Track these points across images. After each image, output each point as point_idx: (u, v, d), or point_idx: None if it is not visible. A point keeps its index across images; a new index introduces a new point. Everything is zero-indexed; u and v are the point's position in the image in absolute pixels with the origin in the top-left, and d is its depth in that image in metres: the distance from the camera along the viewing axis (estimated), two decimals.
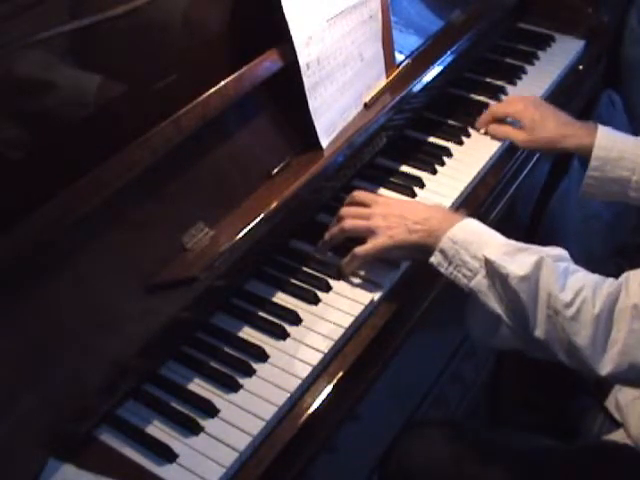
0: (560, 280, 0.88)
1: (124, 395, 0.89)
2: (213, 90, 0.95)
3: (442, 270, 0.96)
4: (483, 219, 1.25)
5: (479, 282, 0.93)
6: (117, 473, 0.81)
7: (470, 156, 1.30)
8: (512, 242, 0.95)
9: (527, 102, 1.32)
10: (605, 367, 0.86)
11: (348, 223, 1.04)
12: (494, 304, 0.92)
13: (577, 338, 0.86)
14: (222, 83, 0.96)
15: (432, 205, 1.06)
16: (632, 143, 1.21)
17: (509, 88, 1.49)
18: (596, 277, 0.91)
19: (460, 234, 0.96)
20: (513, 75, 1.52)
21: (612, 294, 0.87)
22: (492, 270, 0.91)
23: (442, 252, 0.96)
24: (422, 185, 1.23)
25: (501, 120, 1.34)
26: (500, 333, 0.93)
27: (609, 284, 0.89)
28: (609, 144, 1.20)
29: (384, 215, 1.03)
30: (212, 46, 1.03)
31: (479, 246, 0.94)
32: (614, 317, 0.86)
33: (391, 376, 1.05)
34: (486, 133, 1.34)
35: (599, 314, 0.86)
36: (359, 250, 1.02)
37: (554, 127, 1.26)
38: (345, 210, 1.07)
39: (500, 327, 0.93)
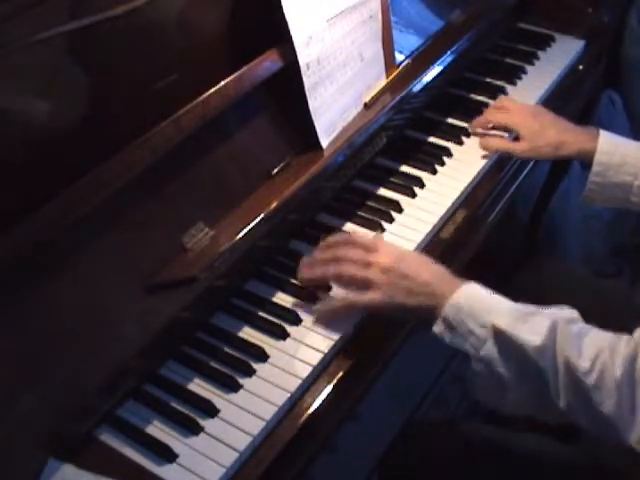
0: (576, 345, 0.84)
1: (124, 395, 0.89)
2: (213, 90, 0.95)
3: (446, 340, 0.91)
4: (483, 219, 1.26)
5: (488, 351, 0.88)
6: (117, 473, 0.81)
7: (470, 156, 1.30)
8: (519, 306, 0.91)
9: (525, 113, 1.30)
10: (635, 434, 0.81)
11: (346, 270, 0.97)
12: (507, 373, 0.87)
13: (602, 407, 0.82)
14: (222, 83, 0.96)
15: (434, 265, 0.98)
16: (634, 148, 1.20)
17: (509, 88, 1.49)
18: (610, 336, 0.87)
19: (464, 302, 0.91)
20: (513, 75, 1.52)
21: (630, 355, 0.83)
22: (503, 339, 0.87)
23: (445, 321, 0.91)
24: (422, 185, 1.23)
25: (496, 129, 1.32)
26: (511, 399, 0.89)
27: (625, 343, 0.85)
28: (611, 149, 1.19)
29: (384, 269, 0.95)
30: (212, 46, 1.03)
31: (486, 313, 0.89)
32: (636, 379, 0.82)
33: (391, 376, 1.05)
34: (483, 148, 1.30)
35: (621, 379, 0.82)
36: (355, 300, 0.96)
37: (554, 134, 1.25)
38: (345, 253, 0.99)
39: (509, 393, 0.89)
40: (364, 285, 0.96)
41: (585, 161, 1.22)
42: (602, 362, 0.83)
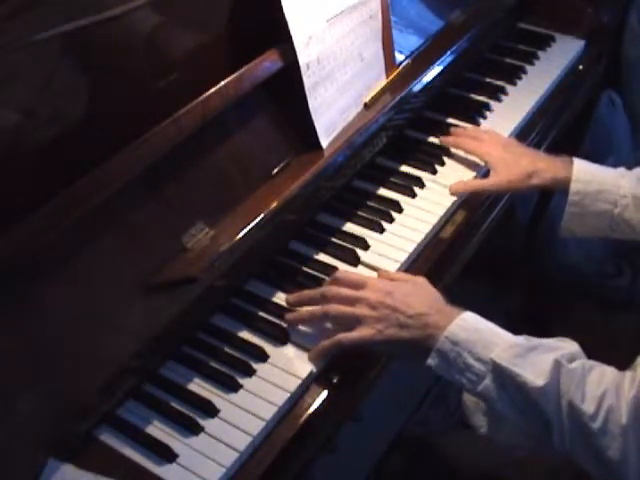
0: (579, 387, 0.82)
1: (124, 395, 0.89)
2: (213, 90, 0.95)
3: (441, 373, 0.89)
4: (483, 220, 1.26)
5: (487, 387, 0.85)
6: (117, 473, 0.81)
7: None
8: (519, 340, 0.87)
9: (496, 143, 1.25)
10: None
11: (334, 309, 0.94)
12: (506, 410, 0.85)
13: (608, 452, 0.80)
14: (222, 83, 0.96)
15: (426, 294, 0.96)
16: (611, 175, 1.16)
17: (509, 88, 1.49)
18: (614, 374, 0.84)
19: (461, 333, 0.88)
20: (513, 75, 1.52)
21: (636, 399, 0.80)
22: (503, 375, 0.84)
23: (441, 354, 0.88)
24: (422, 185, 1.23)
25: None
26: (509, 430, 0.88)
27: (629, 383, 0.82)
28: (587, 177, 1.15)
29: (373, 304, 0.93)
30: (212, 46, 1.03)
31: (484, 347, 0.86)
32: None
33: (391, 376, 1.05)
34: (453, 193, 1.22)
35: (627, 424, 0.79)
36: (345, 338, 0.93)
37: (527, 163, 1.19)
38: (332, 291, 0.97)
39: (507, 424, 0.87)
40: (353, 322, 0.93)
41: (561, 190, 1.18)
42: (607, 406, 0.80)
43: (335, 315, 0.95)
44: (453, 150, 1.30)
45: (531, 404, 0.83)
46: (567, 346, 0.87)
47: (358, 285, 0.96)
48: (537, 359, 0.84)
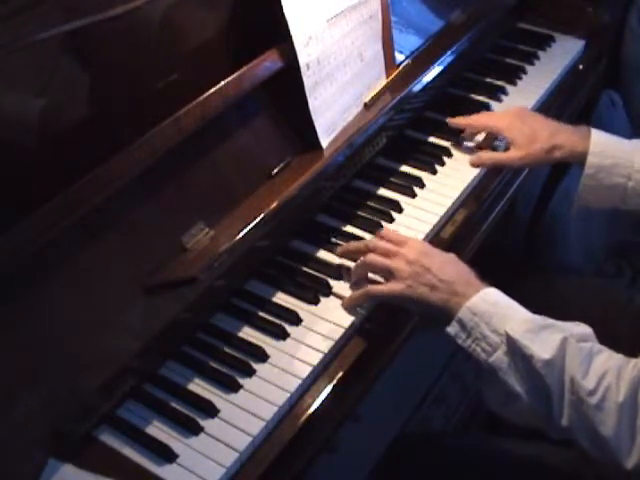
0: (584, 364, 0.84)
1: (124, 395, 0.89)
2: (213, 90, 0.95)
3: (459, 342, 0.91)
4: (483, 219, 1.26)
5: (499, 358, 0.88)
6: (117, 473, 0.81)
7: (470, 156, 1.30)
8: (536, 317, 0.90)
9: (512, 117, 1.25)
10: (632, 459, 0.81)
11: (370, 258, 1.00)
12: (514, 383, 0.87)
13: (602, 428, 0.82)
14: (222, 83, 0.96)
15: (459, 266, 0.99)
16: (626, 147, 1.17)
17: (509, 88, 1.49)
18: (620, 358, 0.86)
19: (481, 305, 0.91)
20: (513, 75, 1.52)
21: (636, 378, 0.82)
22: (514, 348, 0.87)
23: (460, 323, 0.91)
24: (422, 185, 1.23)
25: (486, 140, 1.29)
26: (519, 409, 0.88)
27: (632, 367, 0.84)
28: (602, 150, 1.16)
29: (409, 261, 0.96)
30: (212, 46, 1.03)
31: (500, 320, 0.89)
32: (638, 405, 0.81)
33: (391, 376, 1.05)
34: (475, 165, 1.25)
35: (623, 402, 0.81)
36: (373, 290, 0.98)
37: (547, 137, 1.20)
38: (374, 242, 1.02)
39: (518, 402, 0.88)
40: (386, 274, 0.98)
41: (578, 163, 1.20)
42: (607, 383, 0.82)
43: (371, 263, 0.99)
44: (453, 150, 1.30)
45: (536, 377, 0.85)
46: (580, 328, 0.89)
47: (400, 242, 1.00)
48: (549, 337, 0.86)
